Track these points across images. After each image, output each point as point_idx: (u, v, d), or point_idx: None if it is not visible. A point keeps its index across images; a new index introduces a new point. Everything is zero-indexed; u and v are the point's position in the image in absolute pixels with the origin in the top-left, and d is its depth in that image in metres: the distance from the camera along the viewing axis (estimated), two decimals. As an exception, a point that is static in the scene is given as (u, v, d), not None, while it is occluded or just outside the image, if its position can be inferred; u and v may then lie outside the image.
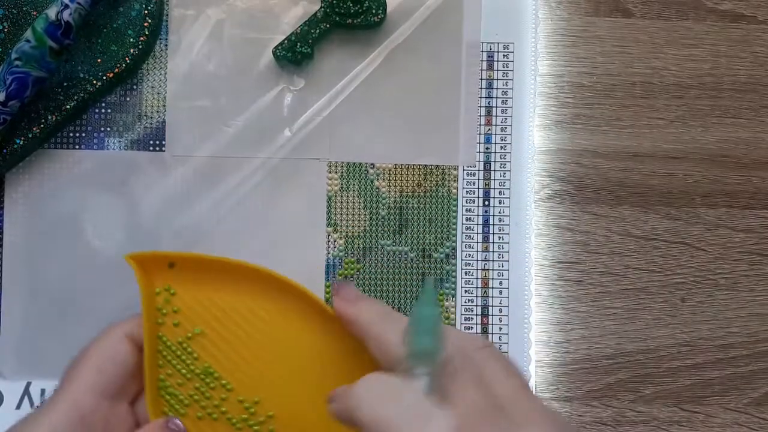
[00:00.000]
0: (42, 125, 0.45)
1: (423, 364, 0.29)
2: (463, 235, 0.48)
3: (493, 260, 0.48)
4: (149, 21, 0.46)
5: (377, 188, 0.48)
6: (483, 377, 0.30)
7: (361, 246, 0.48)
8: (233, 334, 0.41)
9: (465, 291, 0.48)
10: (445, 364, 0.29)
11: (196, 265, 0.41)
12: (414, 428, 0.28)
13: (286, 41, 0.46)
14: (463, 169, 0.48)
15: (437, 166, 0.48)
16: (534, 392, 0.45)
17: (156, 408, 0.39)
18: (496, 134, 0.48)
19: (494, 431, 0.28)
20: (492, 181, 0.48)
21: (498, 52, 0.48)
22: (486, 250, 0.48)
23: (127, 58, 0.46)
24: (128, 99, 0.47)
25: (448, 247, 0.48)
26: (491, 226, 0.48)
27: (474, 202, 0.48)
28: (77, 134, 0.47)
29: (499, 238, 0.48)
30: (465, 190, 0.48)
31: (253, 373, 0.40)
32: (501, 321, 0.48)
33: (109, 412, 0.37)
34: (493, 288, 0.48)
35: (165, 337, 0.40)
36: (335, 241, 0.48)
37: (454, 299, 0.48)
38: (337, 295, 0.39)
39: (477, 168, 0.48)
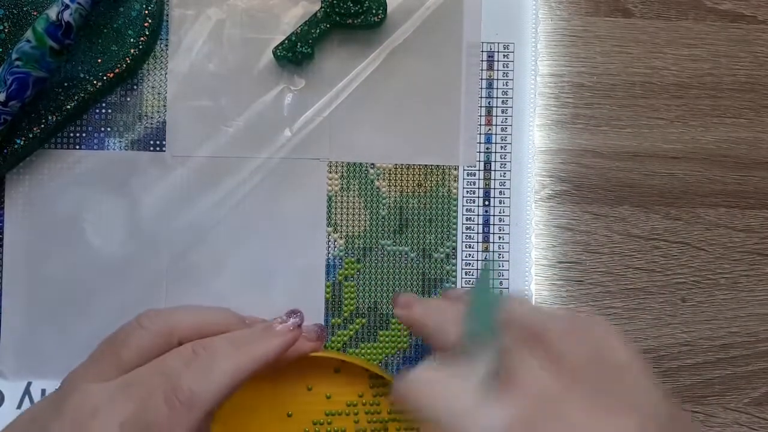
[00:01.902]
0: (42, 125, 0.45)
1: (478, 346, 0.28)
2: (464, 235, 0.48)
3: (493, 260, 0.48)
4: (149, 21, 0.46)
5: (377, 188, 0.48)
6: (557, 356, 0.28)
7: (362, 246, 0.48)
8: None
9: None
10: (503, 346, 0.28)
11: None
12: (461, 422, 0.27)
13: (286, 41, 0.46)
14: (464, 169, 0.48)
15: (437, 166, 0.48)
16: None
17: None
18: (496, 134, 0.48)
19: (557, 428, 0.26)
20: (492, 181, 0.48)
21: (498, 52, 0.48)
22: (486, 250, 0.48)
23: (127, 58, 0.46)
24: (128, 99, 0.47)
25: (448, 247, 0.48)
26: (491, 226, 0.48)
27: (474, 201, 0.48)
28: (77, 134, 0.47)
29: (499, 238, 0.48)
30: (465, 190, 0.48)
31: None
32: (501, 321, 0.48)
33: None
34: (493, 288, 0.48)
35: None
36: (335, 241, 0.48)
37: (454, 299, 0.48)
38: (396, 305, 0.41)
39: (477, 168, 0.48)
